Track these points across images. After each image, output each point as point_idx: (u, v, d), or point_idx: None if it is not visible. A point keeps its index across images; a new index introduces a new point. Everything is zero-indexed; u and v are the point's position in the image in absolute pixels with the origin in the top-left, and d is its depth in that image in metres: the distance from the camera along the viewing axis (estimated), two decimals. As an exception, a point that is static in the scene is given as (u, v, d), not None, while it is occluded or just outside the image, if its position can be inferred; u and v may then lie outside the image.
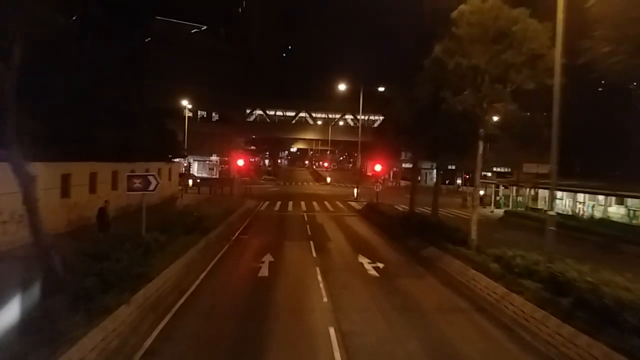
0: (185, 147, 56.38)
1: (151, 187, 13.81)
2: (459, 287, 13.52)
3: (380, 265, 16.06)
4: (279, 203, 38.21)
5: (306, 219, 29.08)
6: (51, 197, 19.40)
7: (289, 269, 15.42)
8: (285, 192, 53.58)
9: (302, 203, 39.03)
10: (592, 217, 28.07)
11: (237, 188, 35.83)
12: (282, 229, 24.91)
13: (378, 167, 33.23)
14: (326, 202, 40.11)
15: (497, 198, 40.43)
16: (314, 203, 39.38)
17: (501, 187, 41.16)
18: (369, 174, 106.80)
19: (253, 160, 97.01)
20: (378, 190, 32.28)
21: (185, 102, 54.96)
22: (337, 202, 40.68)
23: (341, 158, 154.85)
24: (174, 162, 38.02)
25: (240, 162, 34.68)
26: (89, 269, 10.81)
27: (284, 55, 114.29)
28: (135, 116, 29.84)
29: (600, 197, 30.20)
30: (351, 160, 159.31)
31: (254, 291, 12.74)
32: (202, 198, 37.42)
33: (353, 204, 39.78)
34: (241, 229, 23.93)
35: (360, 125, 43.04)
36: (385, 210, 27.27)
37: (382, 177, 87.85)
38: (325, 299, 11.95)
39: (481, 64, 14.81)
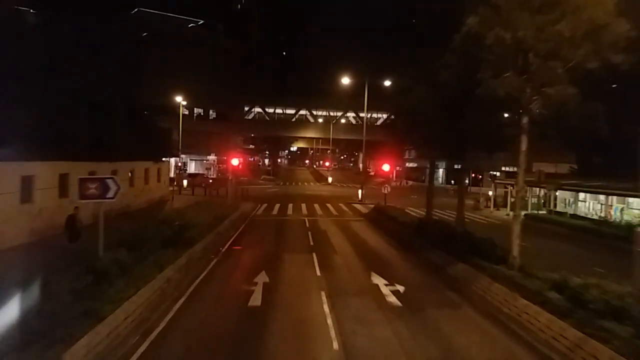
0: (180, 145, 53.40)
1: (110, 194, 10.69)
2: (507, 323, 10.39)
3: (401, 288, 12.94)
4: (277, 206, 35.12)
5: (308, 224, 25.98)
6: (6, 202, 16.31)
7: (288, 294, 12.31)
8: (285, 193, 50.50)
9: (303, 205, 35.96)
10: (629, 223, 24.89)
11: (233, 189, 32.75)
12: (280, 237, 21.82)
13: (386, 167, 30.01)
14: (329, 205, 37.02)
15: (512, 199, 37.23)
16: (316, 206, 36.30)
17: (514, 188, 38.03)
18: (371, 173, 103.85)
19: (252, 159, 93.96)
20: (386, 192, 29.16)
21: (179, 99, 51.87)
22: (341, 205, 37.59)
23: (342, 157, 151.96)
24: (164, 161, 34.94)
25: (235, 162, 31.51)
26: (10, 312, 7.76)
27: (284, 53, 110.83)
28: (118, 112, 26.86)
29: (631, 200, 27.08)
30: (352, 159, 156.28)
31: (241, 332, 9.62)
32: (195, 200, 34.34)
33: (358, 206, 36.67)
34: (233, 238, 20.83)
35: (365, 122, 39.90)
36: (397, 215, 24.16)
37: (387, 177, 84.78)
38: (335, 345, 8.85)
39: (528, 38, 11.73)
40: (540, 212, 32.85)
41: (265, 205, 35.39)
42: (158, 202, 32.77)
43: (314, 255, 17.25)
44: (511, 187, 37.31)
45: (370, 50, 60.72)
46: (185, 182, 52.19)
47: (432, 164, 20.67)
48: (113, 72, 27.89)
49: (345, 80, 37.83)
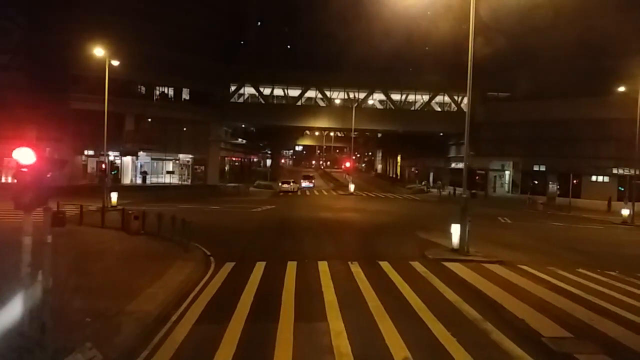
0: (106, 135, 30.08)
1: None
2: None
3: None
4: (255, 276, 11.53)
5: None
6: None
7: None
8: (284, 217, 26.94)
9: (326, 284, 12.18)
10: None
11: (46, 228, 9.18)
12: None
13: None
14: (396, 275, 13.14)
15: None
16: (365, 288, 12.52)
17: None
18: (393, 175, 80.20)
19: (245, 159, 70.73)
20: None
21: (100, 52, 28.32)
22: (426, 274, 13.74)
23: (353, 157, 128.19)
24: None
25: (27, 156, 7.25)
26: None
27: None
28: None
29: None
30: (365, 159, 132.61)
31: None
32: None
33: (483, 286, 12.92)
34: None
35: (470, 77, 16.20)
36: None
37: (424, 181, 61.09)
38: None
39: None
40: None
41: (229, 266, 11.80)
42: None
43: None
44: None
45: None
46: (114, 196, 29.17)
47: None
48: None
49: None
